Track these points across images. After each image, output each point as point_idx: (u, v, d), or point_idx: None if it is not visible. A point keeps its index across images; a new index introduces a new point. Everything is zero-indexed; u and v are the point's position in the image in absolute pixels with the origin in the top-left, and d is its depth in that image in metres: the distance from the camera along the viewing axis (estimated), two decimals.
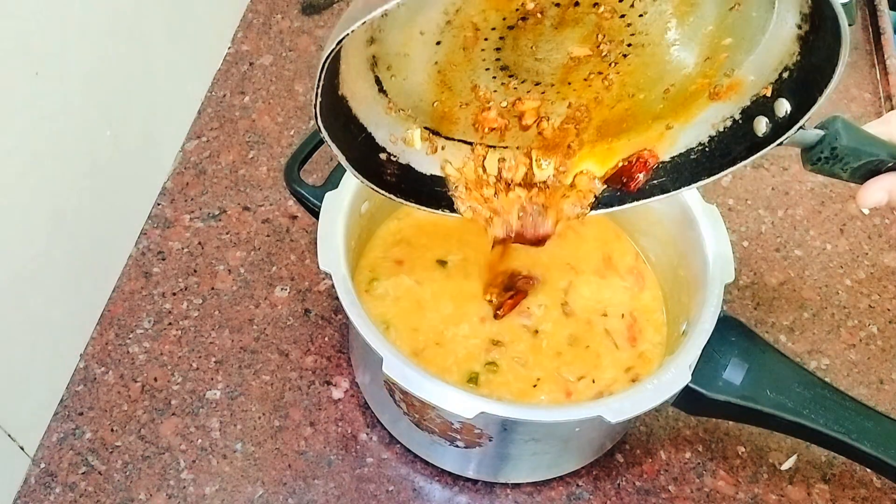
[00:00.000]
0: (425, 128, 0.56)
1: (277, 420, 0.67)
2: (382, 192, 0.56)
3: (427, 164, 0.58)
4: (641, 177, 0.58)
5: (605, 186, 0.60)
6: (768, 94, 0.52)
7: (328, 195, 0.62)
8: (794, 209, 0.86)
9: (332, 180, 0.63)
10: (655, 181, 0.59)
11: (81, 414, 0.66)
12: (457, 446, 0.60)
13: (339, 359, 0.71)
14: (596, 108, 0.55)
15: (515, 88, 0.53)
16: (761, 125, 0.53)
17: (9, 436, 0.60)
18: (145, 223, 0.78)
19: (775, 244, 0.83)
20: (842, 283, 0.80)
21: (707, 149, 0.57)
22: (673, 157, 0.58)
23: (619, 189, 0.60)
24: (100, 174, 0.69)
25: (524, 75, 0.52)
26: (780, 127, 0.51)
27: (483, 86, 0.52)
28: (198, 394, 0.68)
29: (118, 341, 0.70)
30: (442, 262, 0.70)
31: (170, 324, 0.72)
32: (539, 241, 0.60)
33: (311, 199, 0.64)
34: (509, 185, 0.59)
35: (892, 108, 0.94)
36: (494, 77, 0.52)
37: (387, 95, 0.53)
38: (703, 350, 0.57)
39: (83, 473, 0.63)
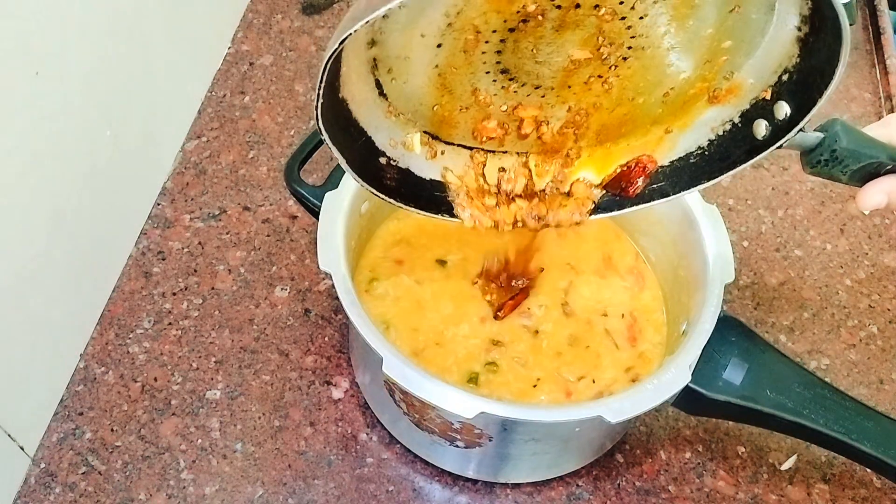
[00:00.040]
0: (425, 132, 0.56)
1: (277, 420, 0.67)
2: (382, 196, 0.56)
3: (426, 169, 0.58)
4: (640, 182, 0.59)
5: (604, 192, 0.60)
6: (768, 97, 0.52)
7: (328, 195, 0.62)
8: (794, 209, 0.86)
9: (332, 180, 0.63)
10: (655, 185, 0.59)
11: (81, 414, 0.66)
12: (457, 446, 0.60)
13: (339, 359, 0.71)
14: (595, 112, 0.55)
15: (516, 92, 0.53)
16: (761, 128, 0.53)
17: (9, 436, 0.60)
18: (145, 223, 0.78)
19: (775, 244, 0.83)
20: (842, 283, 0.80)
21: (706, 152, 0.57)
22: (672, 161, 0.58)
23: (619, 194, 0.60)
24: (100, 174, 0.69)
25: (524, 78, 0.52)
26: (780, 130, 0.52)
27: (483, 89, 0.52)
28: (198, 394, 0.68)
29: (118, 341, 0.70)
30: (442, 262, 0.70)
31: (170, 324, 0.72)
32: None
33: (311, 199, 0.64)
34: (510, 195, 0.59)
35: (892, 108, 0.95)
36: (495, 80, 0.52)
37: (387, 99, 0.53)
38: (703, 350, 0.57)
39: (83, 473, 0.63)
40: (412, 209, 0.58)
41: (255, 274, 0.76)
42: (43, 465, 0.63)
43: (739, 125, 0.55)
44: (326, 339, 0.72)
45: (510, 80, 0.52)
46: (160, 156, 0.82)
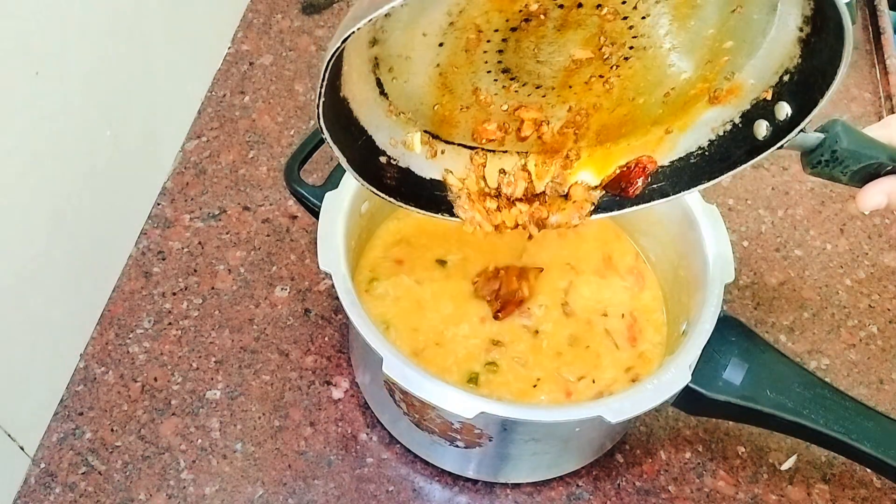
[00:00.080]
0: (425, 131, 0.56)
1: (277, 420, 0.67)
2: (382, 195, 0.56)
3: (427, 168, 0.58)
4: (640, 183, 0.59)
5: (604, 192, 0.60)
6: (769, 98, 0.52)
7: (328, 195, 0.62)
8: (794, 209, 0.86)
9: (332, 180, 0.63)
10: (655, 185, 0.59)
11: (81, 414, 0.66)
12: (457, 446, 0.60)
13: (339, 359, 0.71)
14: (596, 113, 0.55)
15: (517, 91, 0.53)
16: (761, 128, 0.53)
17: (9, 436, 0.60)
18: (145, 223, 0.78)
19: (775, 244, 0.83)
20: (842, 283, 0.80)
21: (707, 153, 0.57)
22: (672, 162, 0.58)
23: (618, 194, 0.60)
24: (100, 174, 0.69)
25: (525, 78, 0.52)
26: (781, 130, 0.52)
27: (484, 88, 0.52)
28: (198, 394, 0.68)
29: (118, 341, 0.70)
30: (442, 262, 0.70)
31: (170, 324, 0.72)
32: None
33: (311, 198, 0.64)
34: (510, 199, 0.59)
35: (892, 108, 0.95)
36: (496, 80, 0.52)
37: (388, 98, 0.53)
38: (703, 350, 0.57)
39: (83, 473, 0.63)
40: (412, 208, 0.58)
41: (255, 274, 0.76)
42: (43, 465, 0.63)
43: (740, 125, 0.55)
44: (326, 339, 0.72)
45: (511, 79, 0.52)
46: (160, 156, 0.82)
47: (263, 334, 0.72)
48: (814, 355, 0.75)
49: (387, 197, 0.56)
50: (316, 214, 0.62)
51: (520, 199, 0.60)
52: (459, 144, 0.58)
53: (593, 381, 0.64)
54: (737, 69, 0.52)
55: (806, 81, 0.49)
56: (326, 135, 0.49)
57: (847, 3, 0.43)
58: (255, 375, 0.69)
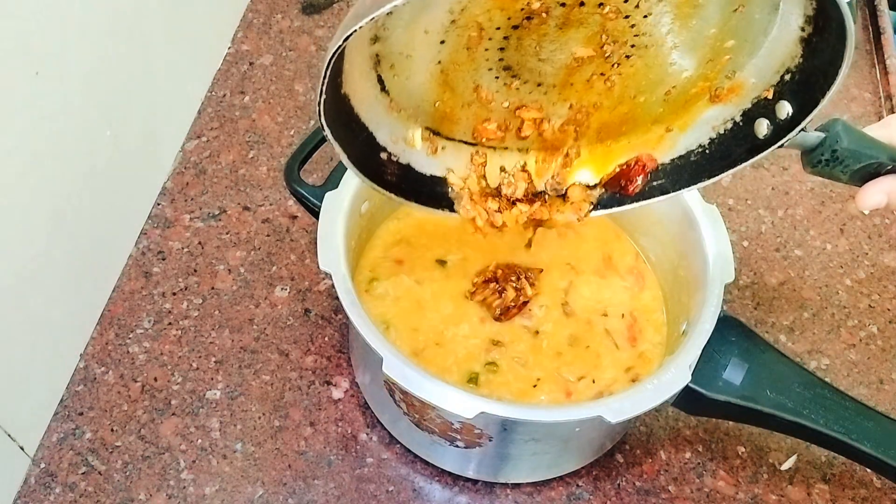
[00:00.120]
0: (426, 128, 0.56)
1: (277, 420, 0.67)
2: (383, 191, 0.56)
3: (427, 165, 0.58)
4: (640, 181, 0.59)
5: (604, 190, 0.60)
6: (769, 97, 0.52)
7: (328, 195, 0.62)
8: (794, 209, 0.86)
9: (332, 180, 0.63)
10: (655, 183, 0.59)
11: (81, 414, 0.66)
12: (457, 446, 0.60)
13: (339, 359, 0.71)
14: (596, 111, 0.55)
15: (518, 89, 0.53)
16: (762, 127, 0.53)
17: (9, 436, 0.60)
18: (145, 223, 0.78)
19: (775, 244, 0.83)
20: (842, 283, 0.80)
21: (707, 151, 0.57)
22: (673, 159, 0.58)
23: (618, 192, 0.60)
24: (100, 174, 0.69)
25: (527, 76, 0.52)
26: (781, 129, 0.52)
27: (485, 86, 0.52)
28: (198, 394, 0.68)
29: (118, 341, 0.70)
30: (442, 262, 0.69)
31: (170, 324, 0.72)
32: None
33: (311, 198, 0.64)
34: (510, 199, 0.59)
35: (892, 108, 0.95)
36: (497, 77, 0.52)
37: (389, 95, 0.53)
38: (703, 350, 0.57)
39: (83, 473, 0.63)
40: (413, 204, 0.58)
41: (255, 274, 0.76)
42: (43, 465, 0.63)
43: (741, 124, 0.55)
44: (326, 339, 0.72)
45: (512, 77, 0.52)
46: (160, 156, 0.82)
47: (263, 334, 0.72)
48: (814, 355, 0.75)
49: (388, 193, 0.57)
50: (316, 214, 0.62)
51: (520, 200, 0.60)
52: (460, 141, 0.58)
53: (593, 381, 0.64)
54: (738, 68, 0.52)
55: (807, 81, 0.50)
56: (327, 132, 0.49)
57: (849, 4, 0.43)
58: (255, 375, 0.69)
